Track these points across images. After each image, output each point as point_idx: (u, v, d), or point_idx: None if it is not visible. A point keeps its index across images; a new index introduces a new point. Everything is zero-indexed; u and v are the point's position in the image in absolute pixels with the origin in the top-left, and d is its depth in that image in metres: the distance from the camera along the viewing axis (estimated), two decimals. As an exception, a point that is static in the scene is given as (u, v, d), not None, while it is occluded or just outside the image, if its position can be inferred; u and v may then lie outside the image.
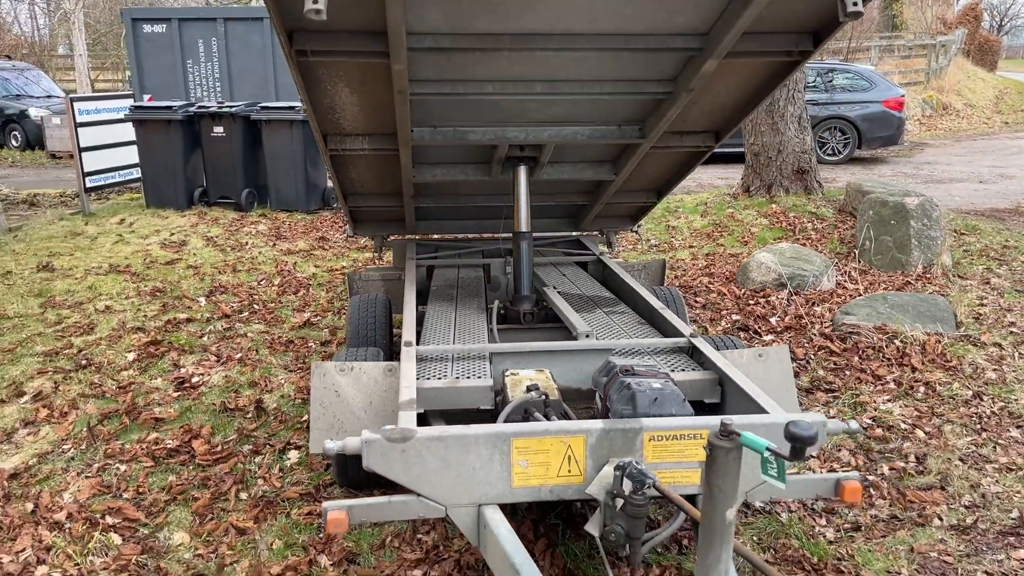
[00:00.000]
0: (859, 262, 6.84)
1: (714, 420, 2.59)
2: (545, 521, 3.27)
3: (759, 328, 5.47)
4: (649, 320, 4.01)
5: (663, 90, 3.62)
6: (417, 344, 3.47)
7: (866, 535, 3.25)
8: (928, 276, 6.44)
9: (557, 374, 3.29)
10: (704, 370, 3.29)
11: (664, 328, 3.80)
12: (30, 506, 3.41)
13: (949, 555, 3.11)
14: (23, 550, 3.10)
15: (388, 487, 2.91)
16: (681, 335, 3.56)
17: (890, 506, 3.46)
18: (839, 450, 3.92)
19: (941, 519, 3.35)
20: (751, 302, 6.00)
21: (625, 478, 2.36)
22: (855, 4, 2.48)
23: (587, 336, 3.60)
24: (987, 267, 6.84)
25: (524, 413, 2.85)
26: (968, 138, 17.54)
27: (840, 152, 13.81)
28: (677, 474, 2.60)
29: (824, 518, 3.38)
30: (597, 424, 2.58)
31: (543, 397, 2.92)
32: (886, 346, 4.99)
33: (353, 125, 3.89)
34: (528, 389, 3.01)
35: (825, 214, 8.36)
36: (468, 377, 3.20)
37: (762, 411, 2.79)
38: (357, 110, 3.72)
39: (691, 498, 2.61)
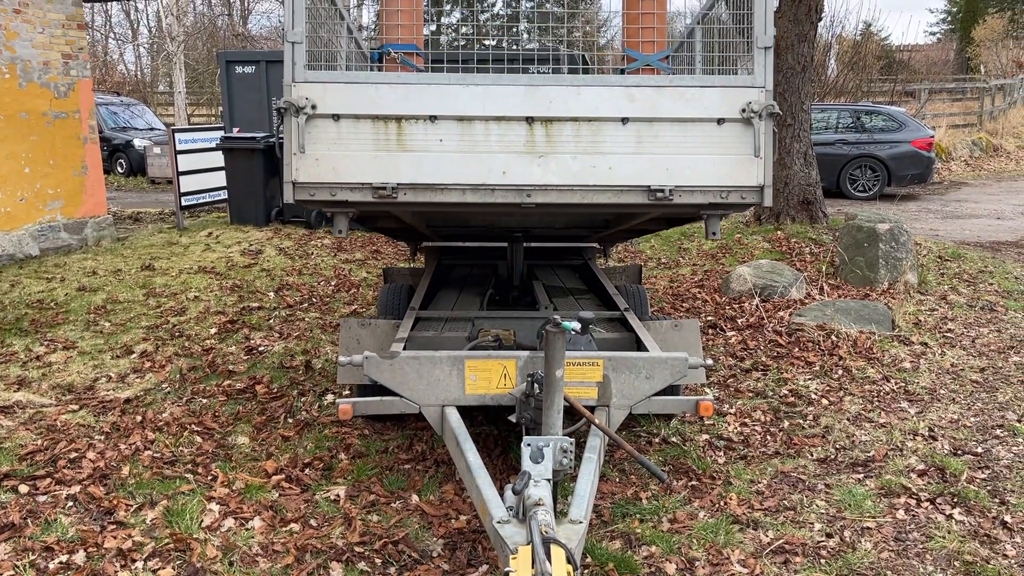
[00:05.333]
0: (836, 279, 7.77)
1: (603, 354, 3.71)
2: (502, 439, 4.40)
3: (725, 326, 6.50)
4: (605, 303, 5.12)
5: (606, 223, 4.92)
6: (422, 311, 4.68)
7: (748, 461, 4.28)
8: (891, 291, 7.33)
9: (521, 335, 4.43)
10: (627, 332, 4.40)
11: (610, 307, 4.92)
12: (139, 418, 4.72)
13: (804, 474, 4.11)
14: (135, 441, 4.39)
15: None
16: (617, 309, 4.68)
17: (778, 446, 4.47)
18: (755, 410, 4.94)
19: (811, 455, 4.35)
20: (727, 307, 7.02)
21: (534, 383, 3.49)
22: (713, 234, 3.73)
23: (545, 308, 4.75)
24: (952, 287, 7.69)
25: (482, 348, 4.01)
26: (1010, 179, 17.98)
27: (870, 189, 14.59)
28: (580, 390, 3.71)
29: (722, 451, 4.42)
30: (525, 353, 3.73)
31: (498, 341, 4.08)
32: (823, 340, 5.97)
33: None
34: (493, 339, 4.18)
35: (824, 240, 9.27)
36: (452, 331, 4.38)
37: (646, 350, 3.91)
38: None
39: (591, 409, 3.71)
